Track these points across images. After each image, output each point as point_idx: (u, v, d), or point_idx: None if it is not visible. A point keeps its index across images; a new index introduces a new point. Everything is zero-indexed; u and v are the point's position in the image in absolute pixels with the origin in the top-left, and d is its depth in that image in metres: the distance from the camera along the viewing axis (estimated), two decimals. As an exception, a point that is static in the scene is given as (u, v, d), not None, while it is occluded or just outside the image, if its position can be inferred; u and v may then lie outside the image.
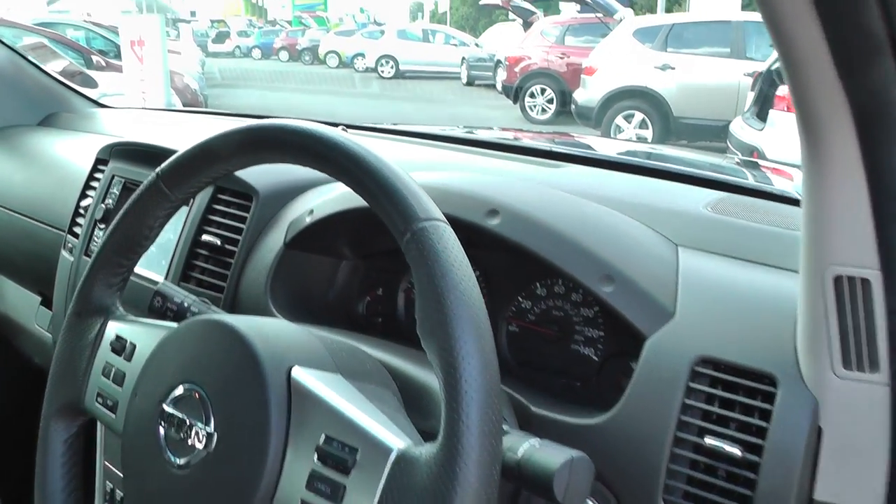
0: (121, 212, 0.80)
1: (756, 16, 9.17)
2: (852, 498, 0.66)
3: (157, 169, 0.78)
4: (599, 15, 10.71)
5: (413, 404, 0.73)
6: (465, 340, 0.55)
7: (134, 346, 0.78)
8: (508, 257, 0.93)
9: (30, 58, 2.06)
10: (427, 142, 1.46)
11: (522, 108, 11.36)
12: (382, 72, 19.88)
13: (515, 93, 11.43)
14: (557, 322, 0.94)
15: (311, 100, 13.75)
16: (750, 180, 1.33)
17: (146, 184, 0.78)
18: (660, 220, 0.93)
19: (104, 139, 1.66)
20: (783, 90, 5.43)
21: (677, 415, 0.72)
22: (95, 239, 1.37)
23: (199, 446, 0.65)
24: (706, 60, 8.60)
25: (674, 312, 0.78)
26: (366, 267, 1.10)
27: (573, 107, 9.35)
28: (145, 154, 1.33)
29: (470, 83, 16.93)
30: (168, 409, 0.68)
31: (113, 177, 1.38)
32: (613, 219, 0.91)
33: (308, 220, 1.02)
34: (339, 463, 0.60)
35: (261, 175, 1.12)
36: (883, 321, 0.62)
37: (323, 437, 0.61)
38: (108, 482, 1.21)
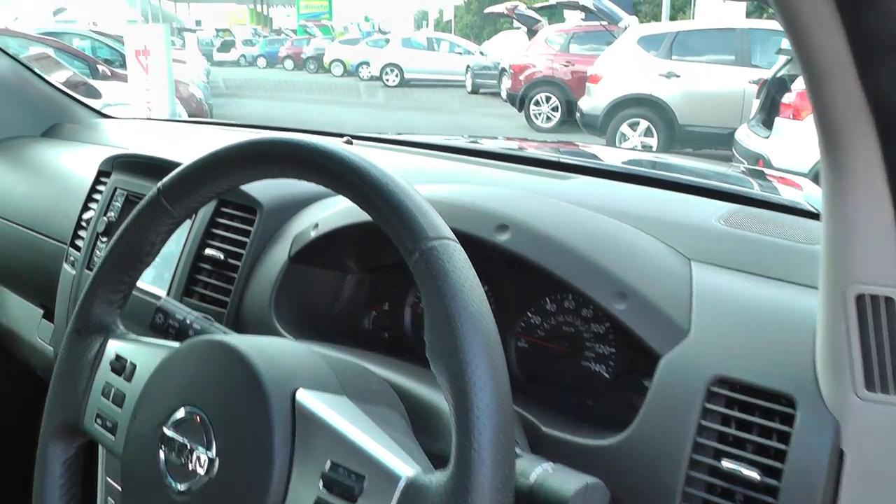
0: (121, 227, 0.78)
1: (761, 23, 9.20)
2: None
3: (159, 184, 0.76)
4: (604, 23, 10.70)
5: (421, 425, 0.71)
6: (477, 365, 0.53)
7: (134, 367, 0.76)
8: (517, 272, 0.91)
9: (34, 68, 2.05)
10: (433, 153, 1.44)
11: (527, 117, 11.36)
12: (387, 80, 19.92)
13: (520, 101, 11.43)
14: (567, 338, 0.92)
15: (316, 109, 13.76)
16: (761, 191, 1.31)
17: (147, 199, 0.76)
18: (671, 233, 0.90)
19: (108, 150, 1.64)
20: (789, 97, 5.42)
21: (693, 436, 0.70)
22: (97, 252, 1.35)
23: (201, 472, 0.63)
24: (711, 68, 8.59)
25: (688, 330, 0.75)
26: (371, 281, 1.08)
27: (578, 115, 9.34)
28: (148, 166, 1.31)
29: (475, 91, 16.95)
30: (168, 432, 0.66)
31: (115, 189, 1.37)
32: (625, 233, 0.89)
33: (313, 234, 1.00)
34: (345, 491, 0.58)
35: (265, 188, 1.10)
36: None
37: (329, 463, 0.59)
38: (109, 498, 1.19)
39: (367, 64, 21.52)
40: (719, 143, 8.05)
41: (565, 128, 10.77)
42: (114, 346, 0.79)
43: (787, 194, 1.44)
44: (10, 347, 1.81)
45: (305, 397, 0.63)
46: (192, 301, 1.12)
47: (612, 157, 1.95)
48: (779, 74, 6.51)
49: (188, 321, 0.89)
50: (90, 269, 1.35)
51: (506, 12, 14.54)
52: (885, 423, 0.62)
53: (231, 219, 1.13)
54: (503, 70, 13.17)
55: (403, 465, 0.57)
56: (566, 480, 0.60)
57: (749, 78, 8.07)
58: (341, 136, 1.57)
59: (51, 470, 0.80)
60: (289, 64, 27.27)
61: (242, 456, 0.62)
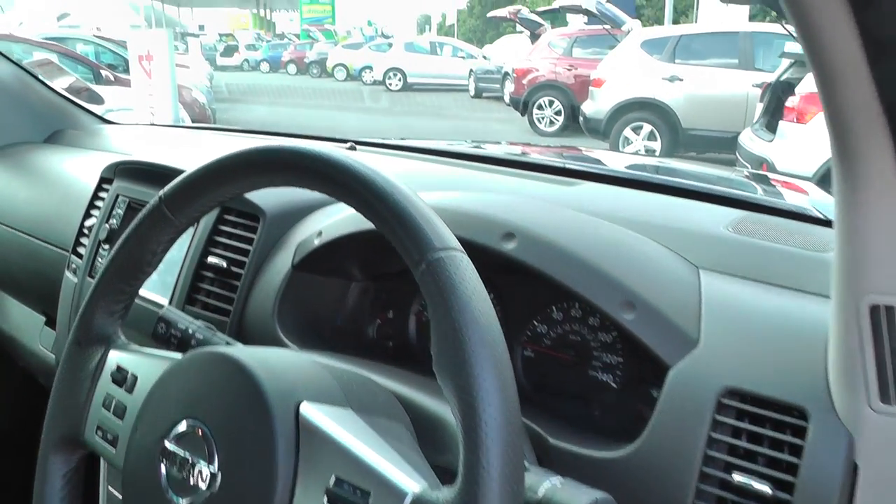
0: (122, 237, 0.77)
1: (764, 26, 9.19)
2: None
3: (160, 192, 0.75)
4: (607, 27, 10.71)
5: (427, 437, 0.70)
6: (485, 379, 0.52)
7: (136, 378, 0.75)
8: (523, 279, 0.90)
9: (36, 74, 2.04)
10: (437, 158, 1.43)
11: (530, 121, 11.36)
12: (390, 84, 19.94)
13: (523, 105, 11.43)
14: (574, 347, 0.91)
15: (319, 113, 13.76)
16: (769, 197, 1.30)
17: (148, 208, 0.75)
18: (679, 241, 0.89)
19: (110, 157, 1.63)
20: (793, 101, 5.40)
21: (703, 449, 0.69)
22: (99, 260, 1.34)
23: (203, 486, 0.62)
24: (714, 71, 8.58)
25: (698, 340, 0.74)
26: (376, 288, 1.07)
27: (581, 119, 9.34)
28: (150, 173, 1.30)
29: (478, 95, 16.96)
30: (170, 446, 0.65)
31: (117, 196, 1.36)
32: (632, 241, 0.88)
33: (317, 242, 0.99)
34: None
35: (268, 195, 1.09)
36: None
37: (333, 478, 0.58)
38: (111, 508, 1.18)
39: (371, 68, 21.56)
40: (723, 146, 8.04)
41: (568, 132, 10.76)
42: (115, 357, 0.78)
43: (794, 200, 1.43)
44: (11, 354, 1.80)
45: (309, 410, 0.61)
46: (194, 309, 1.11)
47: (616, 162, 1.93)
48: (783, 78, 6.50)
49: (190, 331, 0.88)
50: (92, 277, 1.34)
51: (509, 16, 14.57)
52: None
53: (234, 226, 1.12)
54: (506, 74, 13.17)
55: (410, 481, 0.56)
56: (575, 495, 0.59)
57: (752, 81, 8.07)
58: (345, 141, 1.56)
59: (51, 482, 0.79)
60: (292, 68, 27.33)
61: (245, 471, 0.61)
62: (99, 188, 1.44)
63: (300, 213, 1.11)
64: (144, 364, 0.76)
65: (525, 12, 14.24)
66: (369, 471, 0.57)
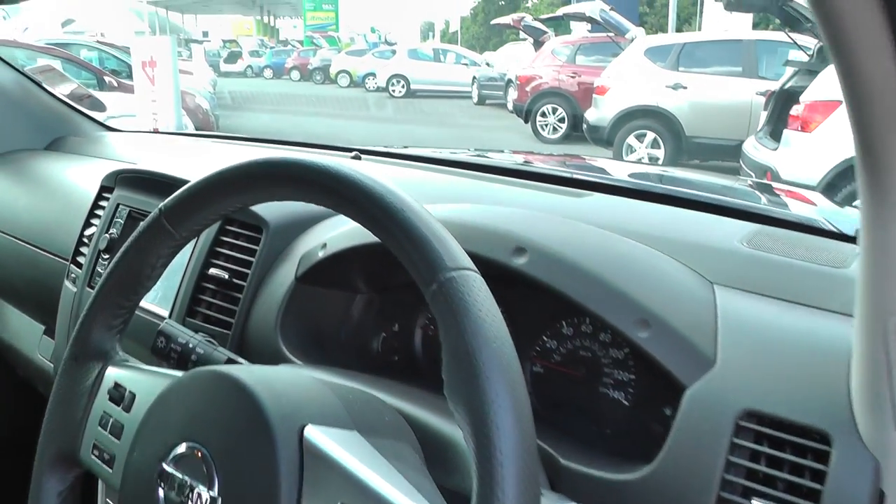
0: (121, 250, 0.75)
1: (767, 34, 9.18)
2: None
3: (161, 205, 0.73)
4: (611, 34, 10.70)
5: (435, 458, 0.68)
6: (500, 406, 0.49)
7: (133, 396, 0.73)
8: (532, 294, 0.88)
9: (38, 80, 2.02)
10: (443, 168, 1.40)
11: (534, 128, 11.34)
12: (393, 91, 19.96)
13: (526, 112, 11.42)
14: (584, 363, 0.88)
15: (322, 121, 13.76)
16: (783, 210, 1.28)
17: (148, 221, 0.73)
18: (693, 255, 0.87)
19: (112, 164, 1.62)
20: (797, 109, 5.38)
21: (720, 473, 0.66)
22: (99, 270, 1.32)
23: None
24: (718, 79, 8.56)
25: (714, 360, 0.72)
26: (381, 301, 1.05)
27: (585, 126, 9.32)
28: (151, 182, 1.28)
29: (481, 102, 16.97)
30: (168, 468, 0.63)
31: (118, 205, 1.34)
32: (646, 256, 0.85)
33: (321, 254, 0.96)
34: None
35: (271, 206, 1.06)
36: None
37: None
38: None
39: (374, 75, 21.60)
40: (726, 154, 8.01)
41: (571, 139, 10.75)
42: (113, 374, 0.76)
43: (804, 211, 1.41)
44: (10, 362, 1.78)
45: (314, 433, 0.59)
46: (195, 322, 1.09)
47: (623, 172, 1.91)
48: (787, 86, 6.48)
49: (191, 345, 0.85)
50: (91, 287, 1.32)
51: (512, 23, 14.58)
52: None
53: (236, 237, 1.10)
54: (509, 81, 13.17)
55: None
56: None
57: (756, 89, 8.05)
58: (349, 150, 1.54)
59: (45, 502, 0.77)
60: (295, 75, 27.38)
61: (246, 496, 0.58)
62: (99, 197, 1.41)
63: (304, 224, 1.09)
64: (143, 382, 0.73)
65: (529, 20, 14.25)
66: (377, 497, 0.55)
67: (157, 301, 1.16)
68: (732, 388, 0.69)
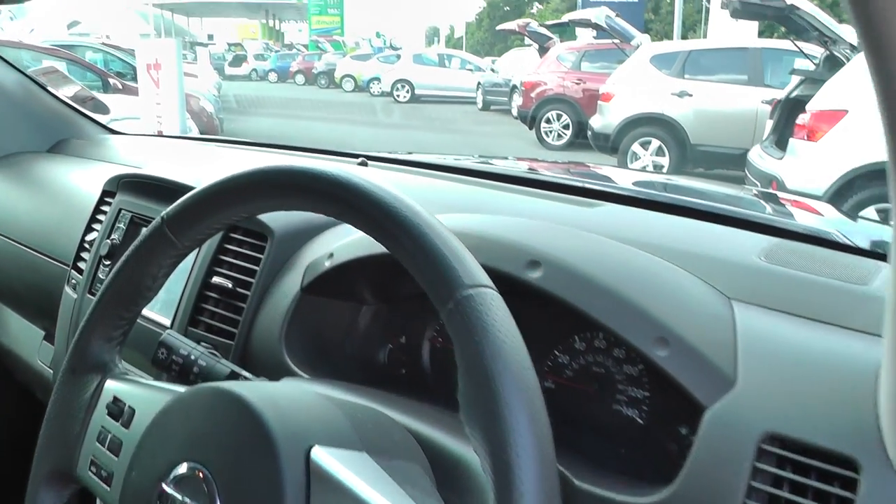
0: (122, 259, 0.73)
1: (773, 43, 9.16)
2: None
3: (163, 213, 0.70)
4: (616, 41, 10.69)
5: (446, 479, 0.65)
6: (521, 433, 0.47)
7: (133, 412, 0.70)
8: (544, 307, 0.85)
9: (41, 82, 2.00)
10: (450, 175, 1.38)
11: (538, 134, 11.33)
12: (398, 96, 19.97)
13: (531, 119, 11.41)
14: (598, 379, 0.86)
15: (326, 125, 13.76)
16: (799, 223, 1.25)
17: (150, 229, 0.71)
18: (709, 269, 0.84)
19: (114, 168, 1.59)
20: (803, 118, 5.36)
21: (742, 498, 0.63)
22: (100, 276, 1.30)
23: None
24: (723, 87, 8.55)
25: (735, 379, 0.69)
26: (388, 312, 1.02)
27: (589, 133, 9.31)
28: (154, 188, 1.25)
29: (485, 108, 16.97)
30: (168, 489, 0.60)
31: (120, 210, 1.31)
32: (663, 270, 0.83)
33: (327, 264, 0.94)
34: None
35: (276, 213, 1.04)
36: None
37: None
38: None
39: (378, 79, 21.64)
40: (731, 163, 7.99)
41: (576, 146, 10.73)
42: (112, 387, 0.74)
43: (817, 223, 1.38)
44: (9, 368, 1.76)
45: (321, 455, 0.56)
46: (197, 331, 1.06)
47: (629, 180, 1.88)
48: (793, 95, 6.46)
49: (192, 357, 0.83)
50: (92, 294, 1.30)
51: (517, 29, 14.57)
52: None
53: (240, 245, 1.08)
54: (514, 87, 13.16)
55: None
56: None
57: (762, 98, 8.03)
58: (356, 156, 1.52)
59: None
60: (300, 79, 27.43)
61: None
62: (101, 202, 1.39)
63: (310, 232, 1.06)
64: (143, 396, 0.71)
65: (534, 26, 14.24)
66: None
67: (159, 309, 1.13)
68: (753, 409, 0.67)
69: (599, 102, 9.13)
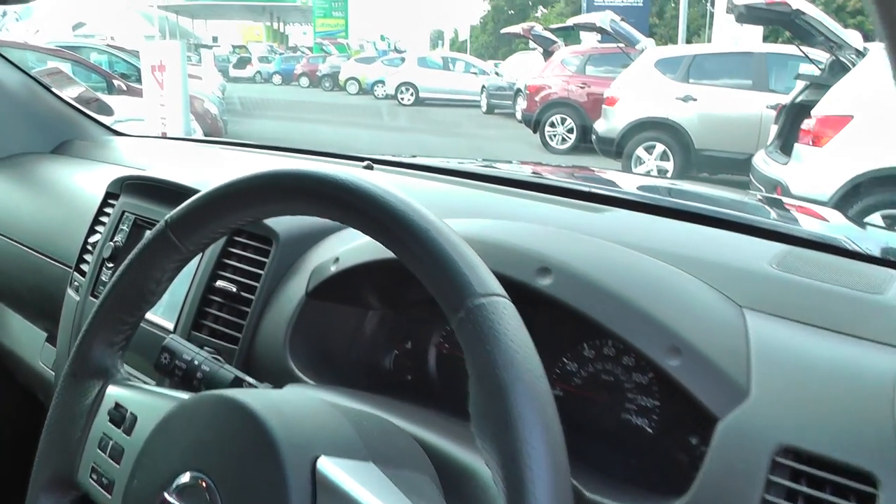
0: (125, 263, 0.71)
1: (778, 47, 9.14)
2: None
3: (167, 216, 0.69)
4: (621, 45, 10.67)
5: (454, 489, 0.64)
6: (535, 447, 0.46)
7: (135, 418, 0.69)
8: (553, 314, 0.84)
9: (45, 83, 1.99)
10: (455, 179, 1.36)
11: (542, 138, 11.31)
12: (402, 99, 19.97)
13: (535, 122, 11.40)
14: (607, 387, 0.84)
15: (331, 128, 13.76)
16: (810, 230, 1.23)
17: (154, 233, 0.70)
18: (720, 277, 0.83)
19: (118, 170, 1.58)
20: (808, 124, 5.34)
21: None
22: (103, 279, 1.29)
23: None
24: (728, 92, 8.53)
25: (748, 390, 0.68)
26: (394, 317, 1.01)
27: (594, 137, 9.29)
28: (158, 190, 1.24)
29: (489, 112, 16.96)
30: (170, 499, 0.59)
31: (123, 213, 1.30)
32: (674, 278, 0.81)
33: (333, 269, 0.93)
34: None
35: (281, 217, 1.03)
36: None
37: None
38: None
39: (383, 82, 21.64)
40: (736, 168, 7.97)
41: (580, 150, 10.72)
42: (114, 393, 0.72)
43: (826, 231, 1.37)
44: (11, 369, 1.75)
45: (328, 466, 0.55)
46: (201, 336, 1.05)
47: (634, 184, 1.87)
48: (798, 100, 6.44)
49: (196, 362, 0.82)
50: (95, 297, 1.29)
51: (522, 33, 14.56)
52: None
53: (245, 249, 1.06)
54: (518, 91, 13.14)
55: None
56: None
57: (766, 102, 8.02)
58: (361, 159, 1.50)
59: None
60: (304, 81, 27.45)
61: None
62: (104, 203, 1.38)
63: (315, 236, 1.05)
64: (145, 403, 0.70)
65: (538, 29, 14.22)
66: None
67: (162, 313, 1.12)
68: (767, 421, 0.65)
69: (604, 106, 9.11)
